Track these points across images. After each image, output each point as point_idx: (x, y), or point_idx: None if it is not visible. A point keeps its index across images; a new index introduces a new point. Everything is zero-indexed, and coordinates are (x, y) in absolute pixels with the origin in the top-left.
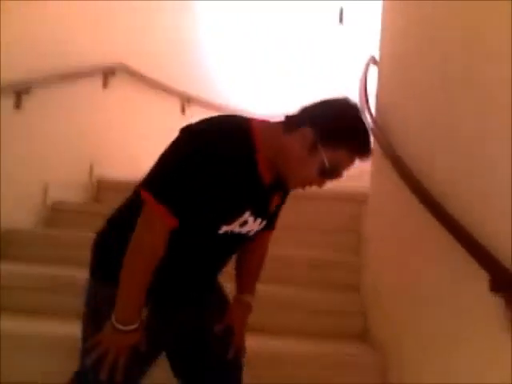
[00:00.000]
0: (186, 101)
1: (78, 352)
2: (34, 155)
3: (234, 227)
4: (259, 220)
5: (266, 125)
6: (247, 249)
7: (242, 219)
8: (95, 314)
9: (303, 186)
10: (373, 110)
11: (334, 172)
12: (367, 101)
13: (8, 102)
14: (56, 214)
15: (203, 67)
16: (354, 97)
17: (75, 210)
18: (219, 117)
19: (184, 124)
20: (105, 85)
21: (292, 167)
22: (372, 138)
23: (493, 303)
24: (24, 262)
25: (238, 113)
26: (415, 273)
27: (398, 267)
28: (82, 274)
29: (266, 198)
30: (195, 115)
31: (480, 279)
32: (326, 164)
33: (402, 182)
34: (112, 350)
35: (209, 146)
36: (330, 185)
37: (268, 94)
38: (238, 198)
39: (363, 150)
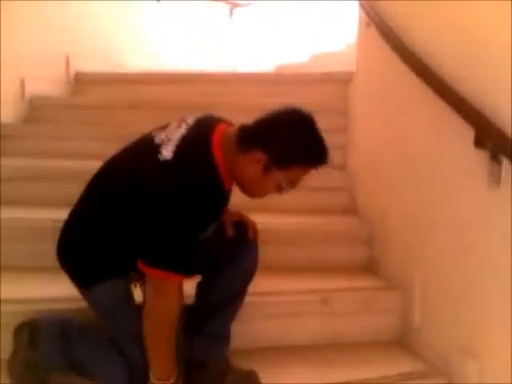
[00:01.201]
0: None
1: None
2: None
3: None
4: None
5: (224, 140)
6: None
7: None
8: (109, 315)
9: (261, 195)
10: None
11: (290, 186)
12: None
13: None
14: (35, 110)
15: None
16: None
17: (55, 104)
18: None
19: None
20: None
21: (247, 186)
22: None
23: (479, 158)
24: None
25: None
26: (403, 137)
27: (386, 140)
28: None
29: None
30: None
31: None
32: (282, 183)
33: (389, 50)
34: None
35: (188, 209)
36: (315, 67)
37: None
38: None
39: (319, 162)
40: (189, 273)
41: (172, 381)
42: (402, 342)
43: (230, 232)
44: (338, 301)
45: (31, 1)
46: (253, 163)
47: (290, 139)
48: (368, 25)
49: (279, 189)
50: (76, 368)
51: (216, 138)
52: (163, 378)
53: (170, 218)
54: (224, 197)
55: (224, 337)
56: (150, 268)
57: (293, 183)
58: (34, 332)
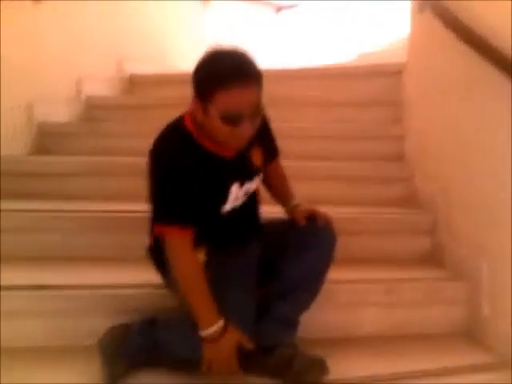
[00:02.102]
0: None
1: None
2: (64, 50)
3: (237, 202)
4: (254, 180)
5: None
6: (268, 181)
7: (233, 195)
8: None
9: (238, 143)
10: None
11: (235, 114)
12: None
13: None
14: (91, 109)
15: None
16: None
17: (110, 104)
18: (165, 129)
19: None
20: None
21: (212, 136)
22: None
23: None
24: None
25: None
26: (463, 122)
27: (445, 127)
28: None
29: (243, 163)
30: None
31: None
32: (222, 114)
33: (446, 31)
34: (220, 358)
35: (165, 162)
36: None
37: None
38: (210, 183)
39: (236, 78)
40: (184, 223)
41: (215, 327)
42: (469, 333)
43: (303, 222)
44: (402, 291)
45: (89, 2)
46: (197, 113)
47: (200, 70)
48: (421, 11)
49: (228, 123)
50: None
51: (187, 112)
52: (206, 326)
53: (151, 164)
54: (204, 153)
55: (294, 322)
56: (154, 226)
57: (235, 112)
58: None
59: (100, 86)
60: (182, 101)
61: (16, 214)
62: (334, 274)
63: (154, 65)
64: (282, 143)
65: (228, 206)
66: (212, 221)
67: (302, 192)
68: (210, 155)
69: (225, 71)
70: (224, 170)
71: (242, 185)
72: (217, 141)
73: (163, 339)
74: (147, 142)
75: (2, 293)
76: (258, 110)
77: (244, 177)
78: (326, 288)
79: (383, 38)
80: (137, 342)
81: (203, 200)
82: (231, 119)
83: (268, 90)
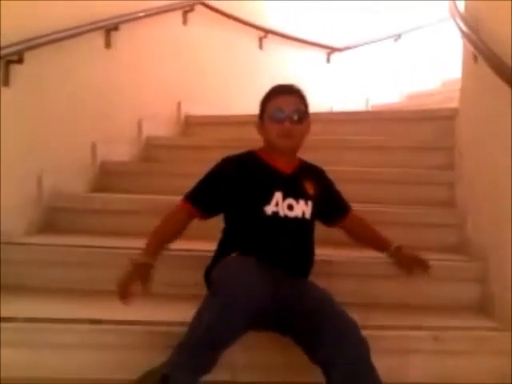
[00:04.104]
0: (263, 35)
1: None
2: (128, 92)
3: (279, 209)
4: (299, 201)
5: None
6: (356, 234)
7: (275, 199)
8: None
9: (285, 142)
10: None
11: (278, 113)
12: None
13: (99, 41)
14: (150, 148)
15: None
16: None
17: (167, 144)
18: None
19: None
20: (184, 22)
21: (268, 143)
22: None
23: None
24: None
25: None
26: None
27: (500, 175)
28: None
29: (293, 183)
30: (273, 49)
31: None
32: (270, 115)
33: (500, 82)
34: (120, 277)
35: (219, 162)
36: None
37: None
38: (256, 183)
39: (278, 92)
40: (196, 204)
41: (138, 256)
42: None
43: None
44: (450, 340)
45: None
46: (259, 130)
47: (262, 98)
48: (475, 59)
49: (276, 123)
50: None
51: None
52: (141, 251)
53: None
54: (259, 162)
55: None
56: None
57: (276, 112)
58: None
59: (159, 127)
60: (236, 143)
61: (74, 249)
62: (383, 319)
63: (211, 107)
64: None
65: (270, 209)
66: (257, 223)
67: None
68: (264, 164)
69: (273, 89)
70: (272, 177)
71: (285, 197)
72: (271, 145)
73: None
74: None
75: (61, 326)
76: (300, 116)
77: (289, 191)
78: (375, 334)
79: (434, 79)
80: None
81: (248, 196)
82: (276, 117)
83: (319, 132)
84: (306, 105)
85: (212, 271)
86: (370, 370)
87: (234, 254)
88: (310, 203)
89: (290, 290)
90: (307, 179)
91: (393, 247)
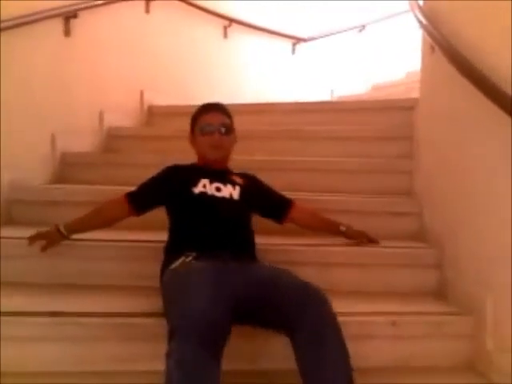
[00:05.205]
0: (227, 24)
1: None
2: (89, 81)
3: (207, 190)
4: (227, 185)
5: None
6: (305, 224)
7: (201, 183)
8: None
9: (214, 152)
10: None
11: (208, 127)
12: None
13: (57, 28)
14: (112, 139)
15: None
16: None
17: (129, 135)
18: None
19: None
20: (147, 10)
21: (199, 153)
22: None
23: None
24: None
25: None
26: (466, 160)
27: (456, 165)
28: None
29: (221, 174)
30: (238, 39)
31: None
32: (200, 128)
33: (456, 73)
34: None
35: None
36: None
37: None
38: (186, 175)
39: (207, 109)
40: (133, 200)
41: (63, 230)
42: (473, 366)
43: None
44: (407, 324)
45: (113, 37)
46: (191, 142)
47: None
48: (433, 50)
49: (206, 135)
50: None
51: None
52: (70, 222)
53: None
54: (193, 166)
55: None
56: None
57: (206, 126)
58: None
59: (121, 118)
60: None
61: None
62: (343, 306)
63: (175, 97)
64: (292, 176)
65: (197, 189)
66: (188, 202)
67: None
68: (196, 166)
69: (202, 106)
70: (201, 170)
71: (212, 182)
72: (202, 156)
73: None
74: None
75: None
76: (227, 129)
77: (216, 178)
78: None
79: (398, 70)
80: None
81: (179, 185)
82: (206, 130)
83: (280, 122)
84: (231, 120)
85: (164, 273)
86: (335, 329)
87: (180, 260)
88: (237, 188)
89: (241, 275)
90: (235, 175)
91: (343, 229)
